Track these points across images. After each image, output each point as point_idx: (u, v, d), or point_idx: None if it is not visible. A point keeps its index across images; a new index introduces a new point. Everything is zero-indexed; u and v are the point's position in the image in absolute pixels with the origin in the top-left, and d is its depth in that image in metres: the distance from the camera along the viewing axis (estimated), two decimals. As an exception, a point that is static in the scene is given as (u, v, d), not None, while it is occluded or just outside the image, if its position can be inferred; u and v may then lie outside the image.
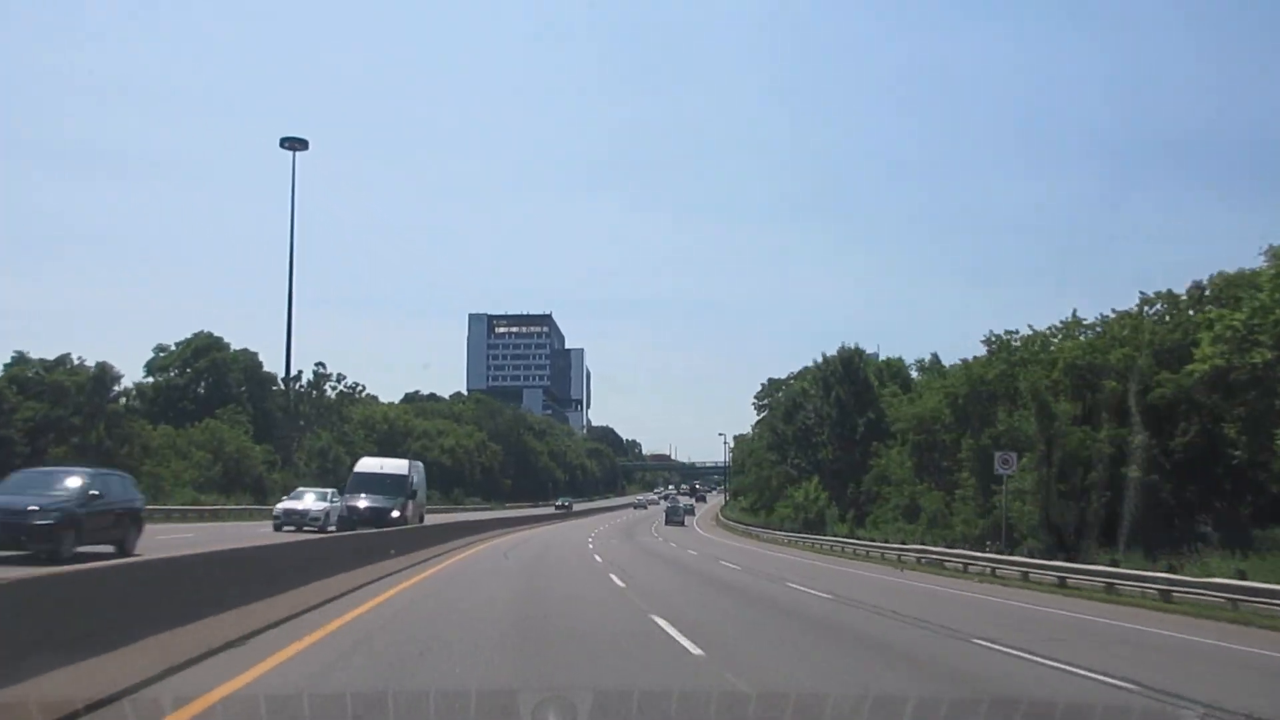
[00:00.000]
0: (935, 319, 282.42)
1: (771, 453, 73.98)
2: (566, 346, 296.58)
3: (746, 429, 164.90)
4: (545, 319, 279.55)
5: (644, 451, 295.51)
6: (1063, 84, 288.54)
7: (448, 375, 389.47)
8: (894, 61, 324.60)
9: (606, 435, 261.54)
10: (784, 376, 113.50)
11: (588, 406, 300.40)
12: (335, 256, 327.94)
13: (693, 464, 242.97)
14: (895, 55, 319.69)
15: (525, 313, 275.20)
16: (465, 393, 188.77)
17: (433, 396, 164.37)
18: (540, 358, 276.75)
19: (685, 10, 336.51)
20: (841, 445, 62.90)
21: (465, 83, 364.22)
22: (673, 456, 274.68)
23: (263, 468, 64.84)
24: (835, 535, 52.53)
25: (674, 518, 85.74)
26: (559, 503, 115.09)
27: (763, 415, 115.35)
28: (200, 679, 8.17)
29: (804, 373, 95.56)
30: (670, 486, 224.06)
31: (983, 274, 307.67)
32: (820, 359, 70.07)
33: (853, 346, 66.99)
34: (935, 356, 74.99)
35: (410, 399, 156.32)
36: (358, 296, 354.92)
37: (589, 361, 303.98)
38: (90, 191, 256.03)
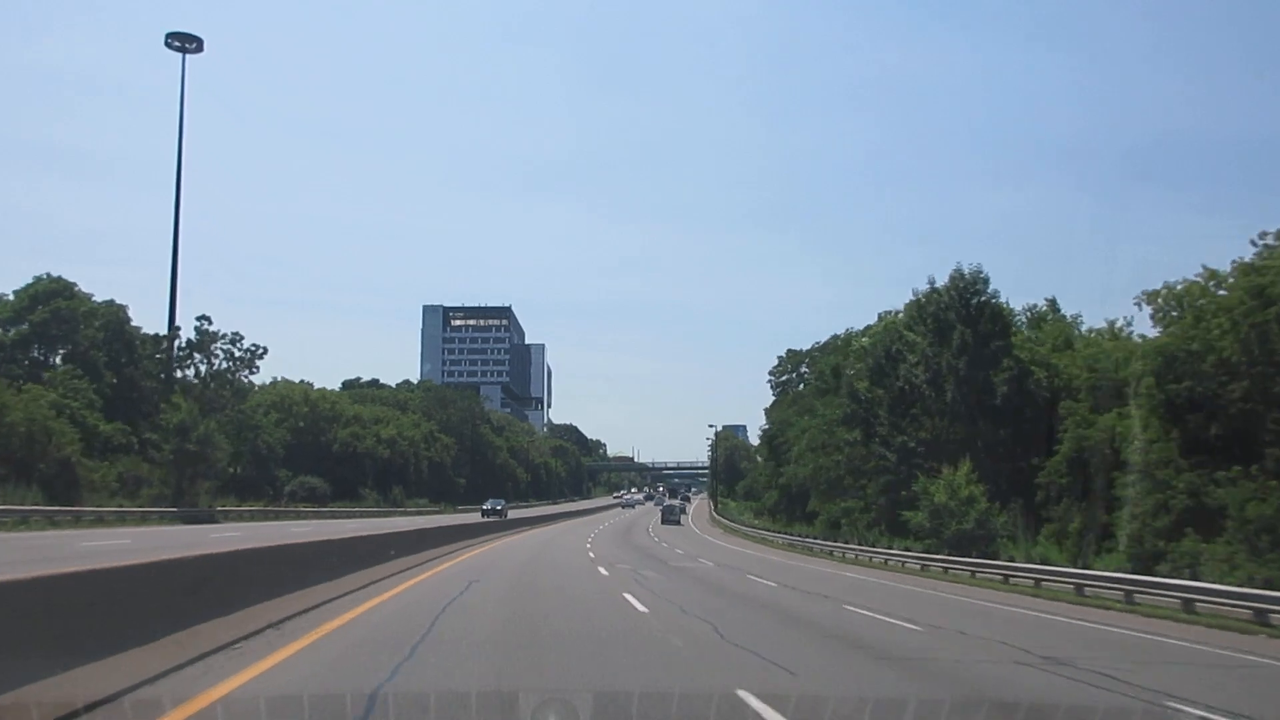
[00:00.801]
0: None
1: (847, 428, 49.98)
2: (527, 342, 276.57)
3: (714, 432, 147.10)
4: (505, 311, 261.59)
5: (608, 453, 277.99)
6: (1034, 94, 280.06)
7: (401, 370, 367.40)
8: (864, 69, 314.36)
9: (571, 433, 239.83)
10: (807, 347, 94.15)
11: (548, 405, 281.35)
12: (293, 250, 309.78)
13: (657, 465, 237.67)
14: (865, 63, 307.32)
15: (484, 305, 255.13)
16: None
17: (375, 383, 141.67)
18: (499, 352, 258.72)
19: (656, 14, 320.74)
20: (969, 414, 41.01)
21: (431, 80, 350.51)
22: (635, 458, 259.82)
23: (73, 450, 41.76)
24: (1048, 565, 28.88)
25: (670, 517, 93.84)
26: (488, 507, 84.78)
27: (779, 395, 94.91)
28: (199, 679, 7.99)
29: (858, 332, 75.33)
30: (634, 488, 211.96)
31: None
32: (928, 286, 47.74)
33: (975, 269, 45.51)
34: (1053, 301, 54.72)
35: (350, 385, 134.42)
36: (318, 293, 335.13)
37: (550, 360, 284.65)
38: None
